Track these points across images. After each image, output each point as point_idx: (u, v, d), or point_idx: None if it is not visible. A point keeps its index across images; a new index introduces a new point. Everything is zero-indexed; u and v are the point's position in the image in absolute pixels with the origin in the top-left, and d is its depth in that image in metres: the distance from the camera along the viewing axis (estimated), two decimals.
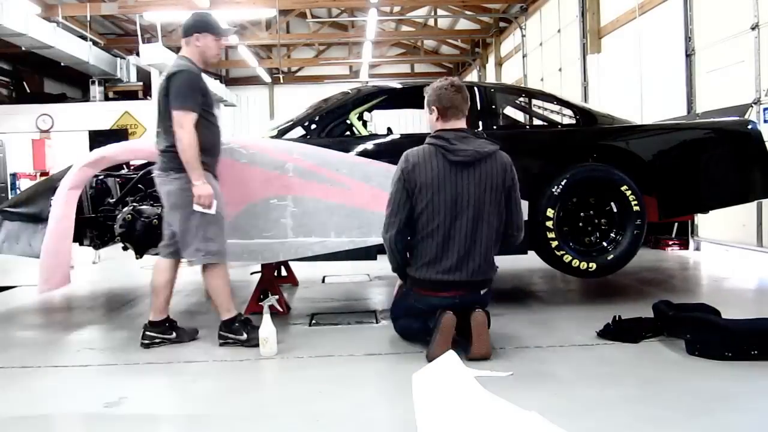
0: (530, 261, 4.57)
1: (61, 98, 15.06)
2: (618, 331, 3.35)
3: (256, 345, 3.29)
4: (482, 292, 3.21)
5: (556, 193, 4.03)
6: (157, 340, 3.46)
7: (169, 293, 3.52)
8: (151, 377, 3.06)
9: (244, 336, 3.42)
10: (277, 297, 3.44)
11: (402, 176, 3.10)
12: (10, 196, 10.94)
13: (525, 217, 3.35)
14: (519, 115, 4.87)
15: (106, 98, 13.94)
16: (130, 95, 14.06)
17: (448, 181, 3.05)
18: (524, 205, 3.53)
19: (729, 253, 6.41)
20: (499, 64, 15.62)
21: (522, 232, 3.26)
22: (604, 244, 4.16)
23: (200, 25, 3.44)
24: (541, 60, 12.14)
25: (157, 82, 13.06)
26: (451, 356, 2.92)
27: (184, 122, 3.24)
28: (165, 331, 3.50)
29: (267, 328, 3.24)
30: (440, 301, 3.11)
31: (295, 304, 4.53)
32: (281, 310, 3.37)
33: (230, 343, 3.42)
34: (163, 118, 3.34)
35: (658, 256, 6.71)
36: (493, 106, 4.34)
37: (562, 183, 4.03)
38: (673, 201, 4.33)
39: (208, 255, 3.36)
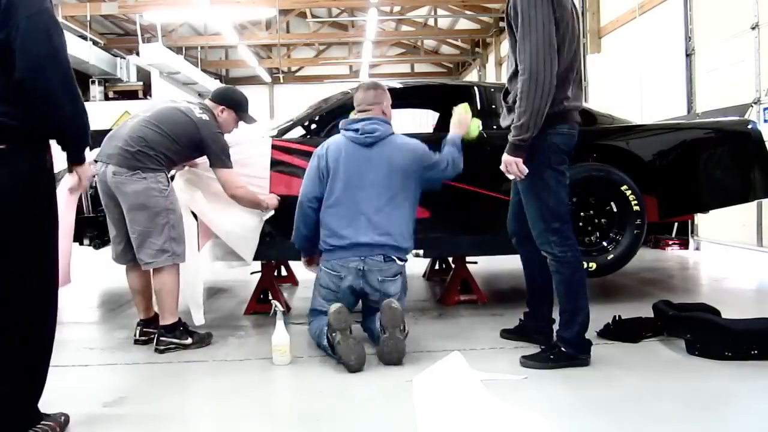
0: None
1: None
2: (618, 331, 3.35)
3: (201, 347, 3.40)
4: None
5: None
6: (172, 346, 3.40)
7: (177, 293, 3.46)
8: (151, 377, 3.06)
9: (189, 340, 3.42)
10: (275, 303, 3.43)
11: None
12: None
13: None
14: None
15: (106, 98, 13.93)
16: (130, 95, 14.05)
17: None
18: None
19: (729, 253, 6.41)
20: (499, 63, 15.61)
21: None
22: (604, 243, 4.16)
23: (230, 103, 3.71)
24: None
25: (157, 82, 13.14)
26: (454, 356, 2.92)
27: (235, 180, 3.62)
28: (181, 336, 3.44)
29: (281, 335, 3.13)
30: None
31: (295, 304, 4.53)
32: (284, 310, 3.39)
33: (172, 349, 3.38)
34: (156, 131, 3.39)
35: (658, 256, 6.71)
36: (493, 106, 4.33)
37: None
38: (673, 201, 4.33)
39: (174, 256, 3.37)
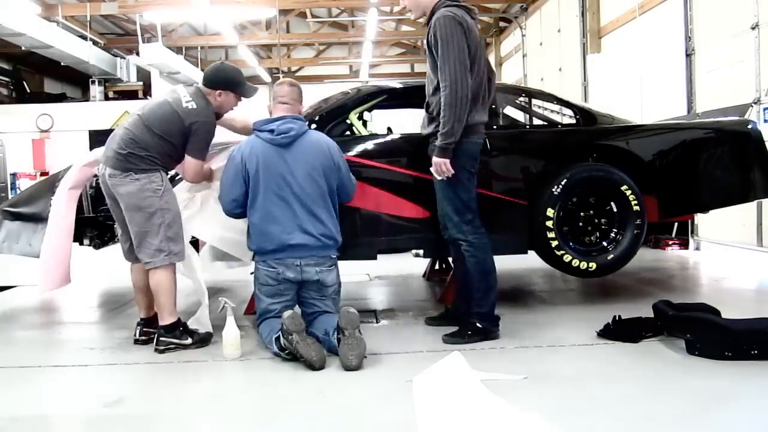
0: (530, 261, 4.57)
1: (61, 98, 15.07)
2: (618, 331, 3.35)
3: (201, 347, 3.42)
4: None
5: (556, 192, 4.03)
6: (171, 346, 3.40)
7: (174, 292, 3.46)
8: (151, 377, 3.06)
9: (189, 340, 3.42)
10: (225, 300, 3.38)
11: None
12: (10, 196, 10.93)
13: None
14: (519, 115, 4.87)
15: (106, 98, 13.93)
16: (130, 95, 14.05)
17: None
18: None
19: (729, 253, 6.41)
20: (499, 63, 15.61)
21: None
22: (604, 243, 4.16)
23: (225, 84, 3.51)
24: (541, 60, 12.13)
25: (157, 82, 13.13)
26: (455, 356, 2.92)
27: (198, 171, 3.52)
28: (180, 336, 3.44)
29: (231, 330, 3.24)
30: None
31: None
32: (233, 306, 3.36)
33: (172, 349, 3.38)
34: (147, 132, 3.37)
35: (658, 256, 6.71)
36: (493, 106, 4.33)
37: (562, 183, 4.03)
38: (673, 201, 4.33)
39: (171, 255, 3.37)
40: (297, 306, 3.43)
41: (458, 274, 3.72)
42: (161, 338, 3.39)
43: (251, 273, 3.99)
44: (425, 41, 3.38)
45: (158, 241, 3.33)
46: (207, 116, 3.45)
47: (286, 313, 3.08)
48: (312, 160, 3.41)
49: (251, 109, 3.74)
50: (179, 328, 3.43)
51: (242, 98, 3.62)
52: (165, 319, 3.41)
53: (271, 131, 3.39)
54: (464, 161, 3.37)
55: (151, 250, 3.34)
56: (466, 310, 3.55)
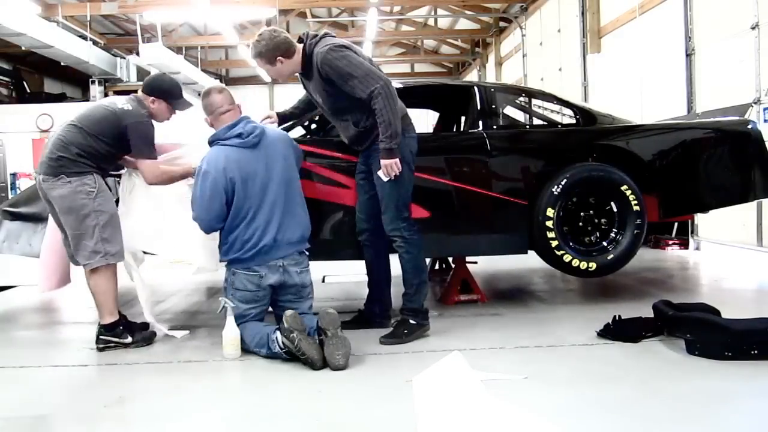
0: (530, 261, 4.57)
1: (61, 98, 15.05)
2: (618, 331, 3.35)
3: (142, 346, 3.42)
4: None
5: (555, 192, 4.03)
6: (111, 344, 3.43)
7: (114, 292, 3.47)
8: (151, 377, 3.06)
9: (129, 339, 3.44)
10: (224, 300, 3.34)
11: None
12: (10, 196, 10.93)
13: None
14: (519, 115, 4.87)
15: (106, 98, 13.93)
16: (130, 95, 14.05)
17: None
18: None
19: (729, 253, 6.41)
20: (499, 63, 15.62)
21: None
22: (604, 243, 4.15)
23: (160, 92, 3.60)
24: (541, 60, 12.13)
25: None
26: (454, 356, 2.92)
27: (155, 172, 3.49)
28: (120, 335, 3.46)
29: (231, 330, 3.23)
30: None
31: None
32: (234, 306, 3.31)
33: (111, 347, 3.40)
34: (79, 133, 3.41)
35: (658, 256, 6.71)
36: (493, 106, 4.34)
37: (562, 183, 4.03)
38: (673, 201, 4.33)
39: (108, 256, 3.38)
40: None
41: (373, 278, 3.80)
42: (100, 336, 3.43)
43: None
44: (324, 86, 3.43)
45: (93, 243, 3.34)
46: (141, 117, 3.49)
47: (288, 313, 3.08)
48: (283, 151, 3.42)
49: (192, 151, 3.66)
50: (119, 327, 3.46)
51: (175, 111, 3.68)
52: (105, 319, 3.44)
53: (239, 135, 3.32)
54: (407, 156, 3.46)
55: (87, 252, 3.36)
56: (382, 310, 3.73)
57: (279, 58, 3.42)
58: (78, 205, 3.33)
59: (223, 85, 3.52)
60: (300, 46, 3.45)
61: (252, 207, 3.29)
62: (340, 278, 5.53)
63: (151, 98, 3.59)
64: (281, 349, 3.08)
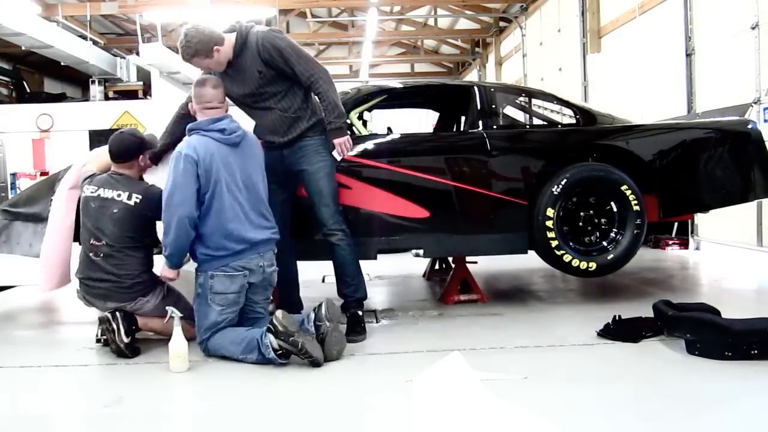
0: (530, 261, 4.57)
1: (61, 98, 15.05)
2: (618, 331, 3.35)
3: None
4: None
5: (555, 192, 4.03)
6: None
7: None
8: (151, 377, 3.06)
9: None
10: (171, 309, 3.23)
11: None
12: (10, 196, 10.93)
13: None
14: (519, 115, 4.87)
15: (106, 98, 13.90)
16: (130, 95, 14.03)
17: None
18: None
19: (729, 253, 6.41)
20: (499, 63, 15.61)
21: None
22: (604, 243, 4.15)
23: (140, 148, 3.56)
24: (541, 60, 12.13)
25: (157, 82, 13.12)
26: (454, 356, 2.92)
27: None
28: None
29: (178, 341, 3.06)
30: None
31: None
32: (182, 315, 3.19)
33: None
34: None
35: (658, 256, 6.71)
36: (493, 106, 4.34)
37: (562, 183, 4.03)
38: (673, 200, 4.33)
39: None
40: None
41: (286, 274, 3.68)
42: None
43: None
44: (259, 67, 3.45)
45: None
46: (150, 191, 3.50)
47: (279, 313, 3.03)
48: (258, 157, 3.44)
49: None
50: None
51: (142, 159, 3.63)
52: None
53: (222, 131, 3.28)
54: (329, 151, 3.55)
55: None
56: (296, 311, 3.58)
57: (215, 48, 3.40)
58: None
59: (220, 80, 3.44)
60: (229, 34, 3.45)
61: (226, 203, 3.22)
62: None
63: (139, 157, 3.56)
64: (275, 352, 3.01)
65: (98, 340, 3.49)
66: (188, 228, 3.17)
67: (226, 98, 3.47)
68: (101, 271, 3.35)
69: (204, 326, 3.25)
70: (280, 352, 3.01)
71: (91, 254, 3.37)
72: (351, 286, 3.64)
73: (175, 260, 3.28)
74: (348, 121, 3.66)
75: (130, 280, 3.37)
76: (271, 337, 3.01)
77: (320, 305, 3.18)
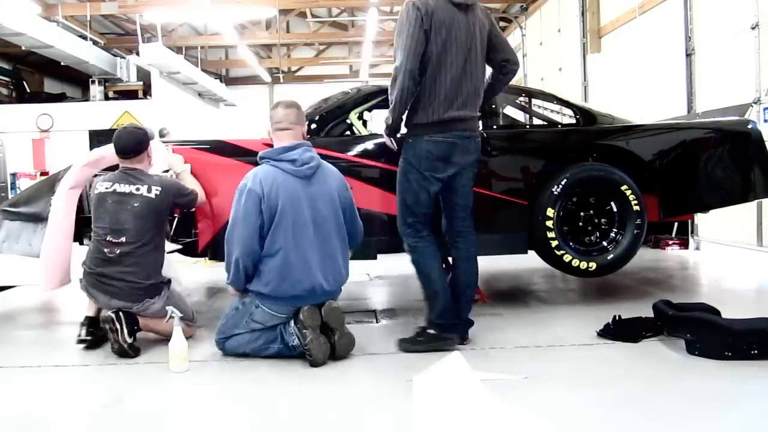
0: (530, 261, 4.57)
1: (61, 98, 15.05)
2: (618, 331, 3.35)
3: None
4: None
5: (555, 192, 4.03)
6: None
7: None
8: (151, 377, 3.06)
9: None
10: (171, 309, 3.26)
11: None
12: (10, 196, 10.93)
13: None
14: (519, 115, 4.87)
15: (106, 98, 13.91)
16: (130, 95, 14.03)
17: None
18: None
19: (729, 253, 6.41)
20: None
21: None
22: (604, 243, 4.16)
23: (144, 143, 3.55)
24: (541, 60, 12.13)
25: (157, 82, 13.13)
26: (454, 356, 2.92)
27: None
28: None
29: (178, 342, 3.05)
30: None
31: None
32: (181, 316, 3.22)
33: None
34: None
35: (658, 256, 6.71)
36: (493, 106, 4.34)
37: (562, 183, 4.04)
38: (673, 200, 4.33)
39: None
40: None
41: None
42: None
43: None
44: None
45: None
46: (166, 183, 3.56)
47: (306, 307, 3.07)
48: (332, 189, 3.20)
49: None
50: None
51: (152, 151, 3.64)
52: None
53: (293, 161, 3.09)
54: (411, 159, 3.28)
55: None
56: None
57: None
58: None
59: (295, 102, 3.34)
60: None
61: (289, 242, 3.06)
62: None
63: (148, 149, 3.55)
64: (300, 340, 3.06)
65: (81, 341, 3.45)
66: (248, 264, 3.10)
67: (305, 123, 3.33)
68: (118, 270, 3.33)
69: (226, 333, 3.25)
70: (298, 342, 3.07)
71: (106, 250, 3.35)
72: (426, 302, 3.37)
73: (236, 286, 3.22)
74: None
75: (147, 281, 3.36)
76: (293, 325, 3.08)
77: (298, 311, 3.10)
